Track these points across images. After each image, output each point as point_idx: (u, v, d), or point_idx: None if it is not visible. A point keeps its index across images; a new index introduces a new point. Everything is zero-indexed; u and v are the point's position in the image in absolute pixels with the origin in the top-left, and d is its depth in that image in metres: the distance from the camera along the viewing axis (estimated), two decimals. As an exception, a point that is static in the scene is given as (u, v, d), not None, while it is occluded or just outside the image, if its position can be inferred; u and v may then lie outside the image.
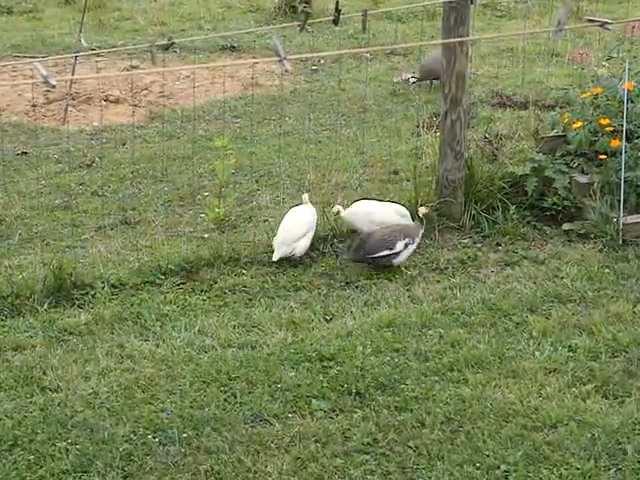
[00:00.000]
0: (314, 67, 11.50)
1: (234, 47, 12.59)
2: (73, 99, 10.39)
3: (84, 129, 9.71)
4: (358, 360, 5.37)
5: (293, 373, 5.26)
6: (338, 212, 6.81)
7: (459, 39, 6.78)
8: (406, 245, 6.47)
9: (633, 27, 9.42)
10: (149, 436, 4.76)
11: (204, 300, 6.13)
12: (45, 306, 6.01)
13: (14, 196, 7.87)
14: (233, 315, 5.94)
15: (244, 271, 6.49)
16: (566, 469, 4.49)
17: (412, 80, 10.35)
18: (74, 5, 15.06)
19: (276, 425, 4.84)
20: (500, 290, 6.19)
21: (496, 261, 6.63)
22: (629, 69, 7.26)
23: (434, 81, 10.04)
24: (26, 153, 8.98)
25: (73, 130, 9.51)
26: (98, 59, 11.51)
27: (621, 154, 6.90)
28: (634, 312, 5.88)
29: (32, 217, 7.48)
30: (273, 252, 6.61)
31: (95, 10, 14.27)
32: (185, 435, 4.76)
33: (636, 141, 7.16)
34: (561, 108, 8.55)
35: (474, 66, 10.31)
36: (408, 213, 6.80)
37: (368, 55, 11.38)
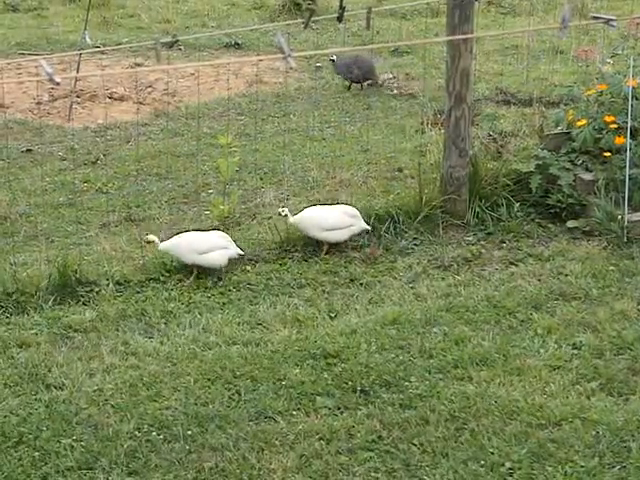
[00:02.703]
0: (318, 64, 11.49)
1: (238, 44, 12.59)
2: (78, 96, 10.40)
3: (88, 126, 9.71)
4: (362, 357, 5.38)
5: (297, 370, 5.26)
6: (286, 215, 6.60)
7: (463, 36, 6.78)
8: None
9: (638, 24, 9.42)
10: (154, 433, 4.77)
11: (208, 297, 6.14)
12: (50, 303, 6.02)
13: (19, 193, 7.88)
14: (237, 312, 5.95)
15: (248, 268, 6.49)
16: (571, 467, 4.49)
17: (330, 58, 10.80)
18: (78, 2, 15.08)
19: (280, 422, 4.84)
20: (504, 287, 6.19)
21: (500, 258, 6.63)
22: (634, 66, 7.25)
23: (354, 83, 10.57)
24: (31, 150, 8.99)
25: (78, 127, 9.53)
26: (102, 57, 11.53)
27: (626, 151, 6.89)
28: (639, 310, 5.87)
29: (37, 214, 7.48)
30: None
31: (99, 8, 14.28)
32: (190, 432, 4.77)
33: (641, 138, 7.15)
34: (565, 105, 8.53)
35: (478, 63, 10.31)
36: (358, 213, 6.72)
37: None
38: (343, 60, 10.54)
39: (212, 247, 6.30)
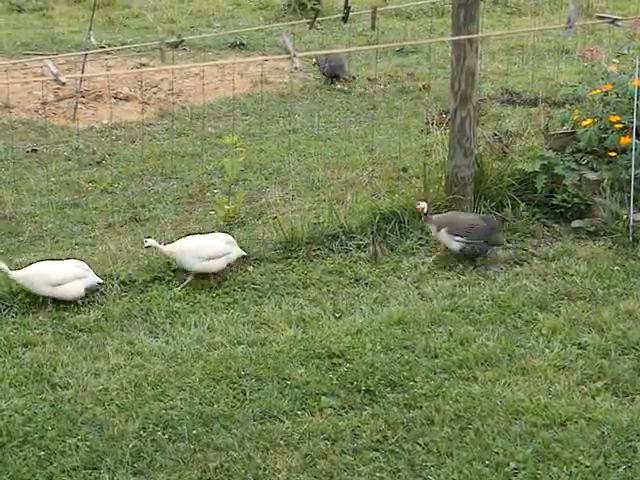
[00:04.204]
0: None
1: (243, 44, 12.60)
2: (83, 97, 10.41)
3: (94, 126, 9.73)
4: (367, 357, 5.37)
5: (302, 370, 5.26)
6: (149, 246, 6.30)
7: (469, 36, 6.77)
8: None
9: (643, 24, 9.39)
10: (159, 433, 4.77)
11: (213, 297, 6.14)
12: (55, 303, 6.02)
13: (24, 193, 7.89)
14: (242, 312, 5.95)
15: (253, 268, 6.49)
16: (576, 467, 4.49)
17: (314, 61, 11.17)
18: (84, 3, 15.10)
19: (285, 422, 4.84)
20: (509, 287, 6.18)
21: (505, 258, 6.62)
22: (639, 66, 7.24)
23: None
24: (36, 150, 9.01)
25: (83, 127, 9.54)
26: (108, 57, 11.54)
27: (631, 151, 6.88)
28: (644, 309, 5.86)
29: (42, 214, 7.49)
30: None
31: (104, 8, 14.31)
32: (195, 432, 4.77)
33: (646, 138, 7.14)
34: (571, 105, 8.53)
35: (484, 63, 10.30)
36: (233, 240, 6.43)
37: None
38: (322, 57, 10.87)
39: (67, 278, 5.97)
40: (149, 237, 6.45)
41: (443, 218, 6.59)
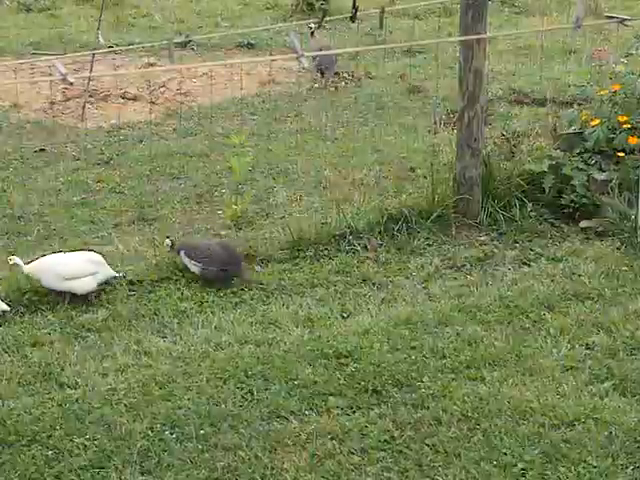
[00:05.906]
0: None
1: (251, 44, 12.61)
2: (91, 96, 10.42)
3: (102, 126, 9.74)
4: (375, 357, 5.37)
5: (310, 370, 5.26)
6: (15, 264, 6.02)
7: (477, 36, 6.77)
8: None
9: (652, 24, 9.38)
10: (166, 432, 4.77)
11: (221, 297, 6.14)
12: (63, 302, 6.03)
13: (32, 193, 7.91)
14: (250, 312, 5.95)
15: (261, 268, 6.49)
16: (584, 467, 4.48)
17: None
18: (92, 2, 15.13)
19: (293, 422, 4.84)
20: (517, 288, 6.17)
21: (513, 258, 6.62)
22: (647, 66, 7.24)
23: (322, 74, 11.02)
24: (44, 150, 9.02)
25: (91, 127, 9.56)
26: (116, 56, 11.56)
27: (639, 151, 6.87)
28: (652, 310, 5.85)
29: (50, 214, 7.51)
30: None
31: (113, 7, 14.32)
32: (202, 432, 4.77)
33: (655, 138, 7.13)
34: (579, 105, 8.52)
35: (491, 63, 10.29)
36: (102, 259, 6.13)
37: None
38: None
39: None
40: (13, 254, 6.21)
41: (184, 242, 6.48)
